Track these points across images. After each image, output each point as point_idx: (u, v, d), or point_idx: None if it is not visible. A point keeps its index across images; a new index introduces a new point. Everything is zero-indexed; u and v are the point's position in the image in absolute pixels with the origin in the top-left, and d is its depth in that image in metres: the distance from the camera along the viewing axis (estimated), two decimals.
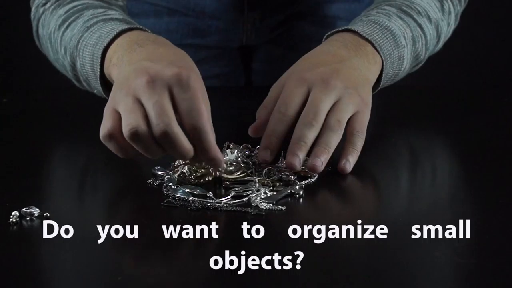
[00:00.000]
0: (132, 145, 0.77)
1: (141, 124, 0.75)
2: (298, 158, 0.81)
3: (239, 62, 1.30)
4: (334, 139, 0.83)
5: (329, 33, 0.96)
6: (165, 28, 1.24)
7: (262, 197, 0.76)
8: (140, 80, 0.77)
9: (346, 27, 0.95)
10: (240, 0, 1.23)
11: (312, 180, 0.81)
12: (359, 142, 0.85)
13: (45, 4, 1.06)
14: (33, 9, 1.09)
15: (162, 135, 0.75)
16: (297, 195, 0.78)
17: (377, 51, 0.93)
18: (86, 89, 1.01)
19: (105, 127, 0.78)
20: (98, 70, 0.92)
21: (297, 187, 0.79)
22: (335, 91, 0.85)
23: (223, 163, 0.79)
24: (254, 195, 0.76)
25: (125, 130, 0.76)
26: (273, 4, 1.24)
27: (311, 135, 0.83)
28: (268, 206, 0.75)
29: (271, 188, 0.79)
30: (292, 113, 0.84)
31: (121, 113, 0.77)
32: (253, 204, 0.75)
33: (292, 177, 0.81)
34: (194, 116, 0.76)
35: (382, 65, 0.94)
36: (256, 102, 0.90)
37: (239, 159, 0.83)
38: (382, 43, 0.93)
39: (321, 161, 0.82)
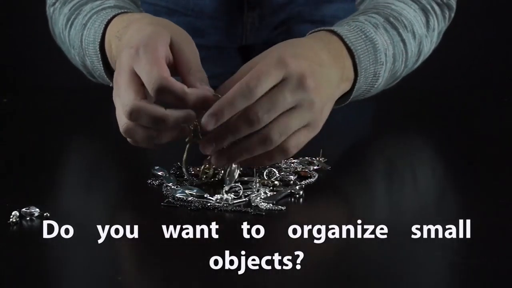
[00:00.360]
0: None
1: (128, 122, 0.76)
2: (211, 148, 0.75)
3: (239, 62, 1.30)
4: (258, 151, 0.76)
5: (314, 30, 0.91)
6: None
7: (262, 197, 0.76)
8: (114, 80, 0.79)
9: (331, 28, 0.90)
10: (239, 0, 1.23)
11: (312, 180, 0.81)
12: (280, 158, 0.78)
13: (54, 3, 1.07)
14: (46, 9, 1.10)
15: (132, 114, 0.74)
16: (297, 195, 0.78)
17: (354, 67, 0.88)
18: (103, 83, 1.01)
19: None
20: (101, 66, 0.94)
21: (297, 187, 0.79)
22: (303, 95, 0.76)
23: (207, 92, 0.76)
24: (254, 195, 0.76)
25: (121, 128, 0.77)
26: (273, 4, 1.24)
27: (247, 132, 0.75)
28: (268, 206, 0.75)
29: (271, 188, 0.79)
30: (260, 93, 0.75)
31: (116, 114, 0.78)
32: (253, 204, 0.75)
33: (292, 177, 0.81)
34: (150, 82, 0.74)
35: (354, 81, 0.88)
36: None
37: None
38: (362, 55, 0.88)
39: (226, 160, 0.76)
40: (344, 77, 0.86)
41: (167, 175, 0.81)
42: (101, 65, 0.95)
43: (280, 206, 0.75)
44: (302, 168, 0.84)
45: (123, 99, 0.76)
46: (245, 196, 0.77)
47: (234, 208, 0.75)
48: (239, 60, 1.30)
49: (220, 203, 0.75)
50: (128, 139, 0.78)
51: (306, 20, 1.26)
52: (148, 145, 0.77)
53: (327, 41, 0.87)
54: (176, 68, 0.79)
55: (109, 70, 0.95)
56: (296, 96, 0.76)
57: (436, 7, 1.04)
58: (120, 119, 0.78)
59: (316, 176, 0.82)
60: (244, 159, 0.77)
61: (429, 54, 1.05)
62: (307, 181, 0.81)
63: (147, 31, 0.80)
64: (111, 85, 0.95)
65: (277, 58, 0.77)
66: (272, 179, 0.81)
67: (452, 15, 1.08)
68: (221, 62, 1.28)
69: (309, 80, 0.76)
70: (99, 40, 0.93)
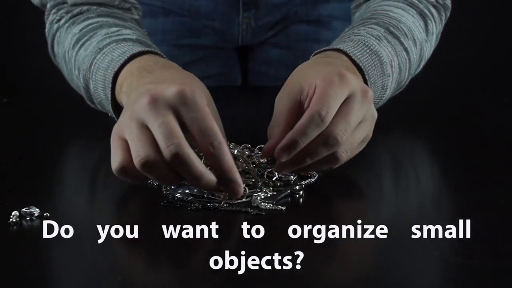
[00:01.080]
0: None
1: (151, 152, 0.70)
2: (289, 168, 0.76)
3: (236, 62, 1.30)
4: (325, 153, 0.76)
5: (318, 50, 0.90)
6: (161, 28, 1.24)
7: (262, 197, 0.76)
8: (142, 102, 0.71)
9: (337, 46, 0.88)
10: (235, 0, 1.23)
11: (312, 180, 0.81)
12: (342, 159, 0.76)
13: (59, 20, 1.03)
14: (47, 25, 1.05)
15: (173, 157, 0.69)
16: (297, 195, 0.78)
17: (365, 81, 0.88)
18: (100, 110, 0.97)
19: (115, 161, 0.73)
20: (109, 95, 0.89)
21: (297, 187, 0.79)
22: (368, 107, 0.77)
23: (242, 189, 0.73)
24: (255, 195, 0.76)
25: (136, 162, 0.71)
26: (269, 5, 1.24)
27: (326, 153, 0.75)
28: (268, 206, 0.75)
29: (271, 188, 0.78)
30: (331, 118, 0.74)
31: (128, 141, 0.72)
32: (253, 204, 0.75)
33: (292, 177, 0.81)
34: (209, 135, 0.71)
35: None
36: (253, 102, 0.90)
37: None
38: (370, 70, 0.88)
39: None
40: None
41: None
42: (105, 94, 0.90)
43: (280, 206, 0.75)
44: None
45: (165, 131, 0.70)
46: (247, 197, 0.76)
47: (234, 208, 0.74)
48: (236, 60, 1.30)
49: (220, 203, 0.75)
50: (115, 172, 0.73)
51: (302, 20, 1.26)
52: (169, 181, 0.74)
53: (341, 59, 0.87)
54: None
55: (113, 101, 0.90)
56: (363, 109, 0.76)
57: (433, 10, 1.03)
58: (116, 155, 0.73)
59: (316, 176, 0.82)
60: (306, 165, 0.76)
61: (429, 57, 1.04)
62: (307, 181, 0.81)
63: (193, 81, 0.78)
64: (109, 114, 0.92)
65: (338, 76, 0.75)
66: (273, 179, 0.81)
67: (448, 14, 1.07)
68: (218, 63, 1.28)
69: (370, 92, 0.77)
70: (115, 69, 0.88)
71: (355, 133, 0.76)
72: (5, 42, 1.99)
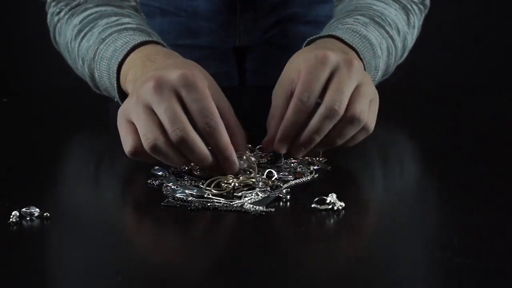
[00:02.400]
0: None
1: (158, 135, 0.75)
2: (302, 152, 0.80)
3: (233, 63, 1.30)
4: (351, 133, 0.80)
5: (310, 38, 0.94)
6: (158, 29, 1.24)
7: (252, 201, 0.76)
8: (148, 86, 0.76)
9: (328, 33, 0.93)
10: (232, 1, 1.23)
11: (304, 179, 0.81)
12: (363, 137, 0.82)
13: (59, 12, 1.06)
14: (48, 16, 1.09)
15: (179, 141, 0.75)
16: (284, 199, 0.77)
17: (361, 60, 0.91)
18: (105, 96, 1.02)
19: (127, 145, 0.77)
20: (115, 83, 0.93)
21: (284, 191, 0.78)
22: (358, 74, 0.80)
23: (237, 166, 0.78)
24: (247, 198, 0.76)
25: (145, 145, 0.76)
26: (266, 5, 1.24)
27: (329, 127, 0.79)
28: (258, 209, 0.74)
29: (259, 191, 0.78)
30: (314, 100, 0.79)
31: (136, 125, 0.77)
32: (245, 207, 0.75)
33: (290, 177, 0.81)
34: (205, 115, 0.75)
35: None
36: (251, 102, 0.90)
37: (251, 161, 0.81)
38: (363, 51, 0.92)
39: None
40: None
41: (167, 175, 0.81)
42: (111, 83, 0.94)
43: (270, 209, 0.74)
44: (302, 169, 0.84)
45: (170, 116, 0.75)
46: (244, 197, 0.76)
47: (234, 208, 0.75)
48: (233, 60, 1.30)
49: (220, 202, 0.75)
50: (129, 155, 0.78)
51: (299, 21, 1.27)
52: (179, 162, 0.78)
53: (329, 44, 0.90)
54: None
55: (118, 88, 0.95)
56: (353, 78, 0.79)
57: (415, 7, 1.09)
58: (126, 139, 0.77)
59: (309, 177, 0.82)
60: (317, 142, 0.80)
61: (410, 48, 1.08)
62: (295, 181, 0.80)
63: (196, 66, 0.81)
64: (115, 100, 0.96)
65: (316, 58, 0.79)
66: (273, 179, 0.81)
67: (427, 12, 1.12)
68: (215, 63, 1.29)
69: (355, 61, 0.79)
70: (119, 59, 0.92)
71: (360, 95, 0.79)
72: (5, 42, 1.99)
